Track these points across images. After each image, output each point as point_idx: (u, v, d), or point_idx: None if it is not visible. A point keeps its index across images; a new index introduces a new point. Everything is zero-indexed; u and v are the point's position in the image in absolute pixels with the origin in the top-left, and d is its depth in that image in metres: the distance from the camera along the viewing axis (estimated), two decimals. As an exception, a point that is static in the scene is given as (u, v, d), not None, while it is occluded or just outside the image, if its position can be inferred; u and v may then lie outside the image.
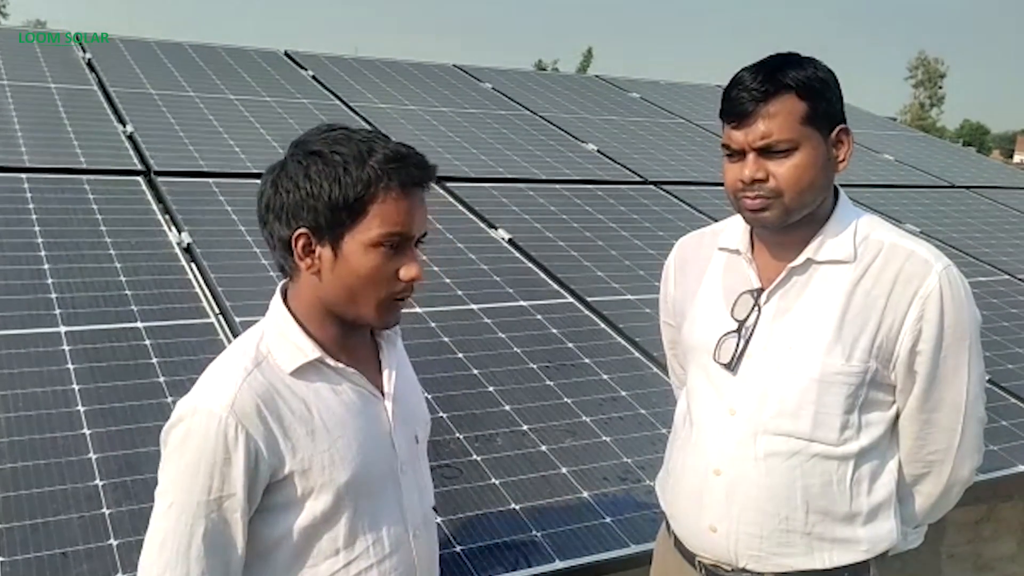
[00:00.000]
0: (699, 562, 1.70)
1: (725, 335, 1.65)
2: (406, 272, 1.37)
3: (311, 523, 1.37)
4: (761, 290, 1.65)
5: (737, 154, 1.57)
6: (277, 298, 1.44)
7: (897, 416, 1.64)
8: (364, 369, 1.45)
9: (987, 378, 3.36)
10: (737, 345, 1.64)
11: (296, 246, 1.36)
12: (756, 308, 1.64)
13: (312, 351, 1.38)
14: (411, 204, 1.36)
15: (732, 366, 1.64)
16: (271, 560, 1.38)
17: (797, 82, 1.54)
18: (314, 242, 1.35)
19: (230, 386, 1.32)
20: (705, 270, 1.76)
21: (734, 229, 1.74)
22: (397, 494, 1.47)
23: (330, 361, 1.40)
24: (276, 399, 1.35)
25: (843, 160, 1.60)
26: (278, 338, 1.39)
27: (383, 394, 1.47)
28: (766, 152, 1.54)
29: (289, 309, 1.41)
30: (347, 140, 1.36)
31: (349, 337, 1.44)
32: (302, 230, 1.35)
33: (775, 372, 1.61)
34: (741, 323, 1.64)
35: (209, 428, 1.29)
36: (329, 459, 1.37)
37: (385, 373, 1.48)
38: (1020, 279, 4.58)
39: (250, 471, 1.31)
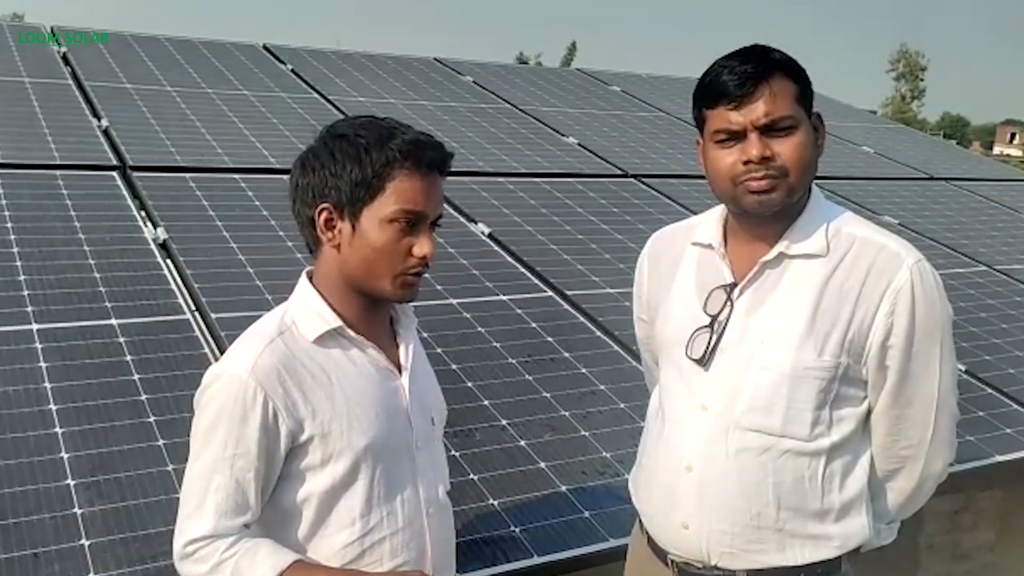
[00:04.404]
0: (671, 560, 1.70)
1: (697, 330, 1.65)
2: (419, 249, 1.45)
3: (330, 488, 1.45)
4: (734, 285, 1.64)
5: (733, 138, 1.55)
6: (303, 278, 1.54)
7: (869, 412, 1.63)
8: (382, 346, 1.53)
9: (964, 369, 3.40)
10: (709, 340, 1.63)
11: (319, 220, 1.46)
12: (729, 303, 1.63)
13: (333, 320, 1.48)
14: (426, 185, 1.46)
15: (704, 361, 1.63)
16: (293, 526, 1.46)
17: (786, 63, 1.57)
18: (335, 217, 1.46)
19: (252, 352, 1.42)
20: (678, 265, 1.75)
21: (707, 224, 1.73)
22: (412, 469, 1.53)
23: (350, 331, 1.49)
24: (296, 364, 1.44)
25: (821, 144, 1.63)
26: (302, 309, 1.50)
27: (399, 372, 1.54)
28: (768, 131, 1.53)
29: (314, 287, 1.51)
30: (371, 125, 1.47)
31: (370, 314, 1.52)
32: (325, 205, 1.45)
33: (747, 367, 1.60)
34: (714, 318, 1.64)
35: (230, 390, 1.39)
36: (348, 424, 1.44)
37: (402, 348, 1.57)
38: (998, 270, 4.60)
39: (267, 431, 1.40)
